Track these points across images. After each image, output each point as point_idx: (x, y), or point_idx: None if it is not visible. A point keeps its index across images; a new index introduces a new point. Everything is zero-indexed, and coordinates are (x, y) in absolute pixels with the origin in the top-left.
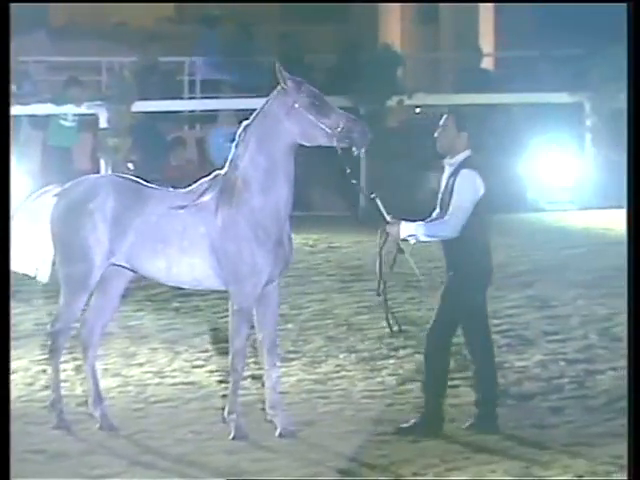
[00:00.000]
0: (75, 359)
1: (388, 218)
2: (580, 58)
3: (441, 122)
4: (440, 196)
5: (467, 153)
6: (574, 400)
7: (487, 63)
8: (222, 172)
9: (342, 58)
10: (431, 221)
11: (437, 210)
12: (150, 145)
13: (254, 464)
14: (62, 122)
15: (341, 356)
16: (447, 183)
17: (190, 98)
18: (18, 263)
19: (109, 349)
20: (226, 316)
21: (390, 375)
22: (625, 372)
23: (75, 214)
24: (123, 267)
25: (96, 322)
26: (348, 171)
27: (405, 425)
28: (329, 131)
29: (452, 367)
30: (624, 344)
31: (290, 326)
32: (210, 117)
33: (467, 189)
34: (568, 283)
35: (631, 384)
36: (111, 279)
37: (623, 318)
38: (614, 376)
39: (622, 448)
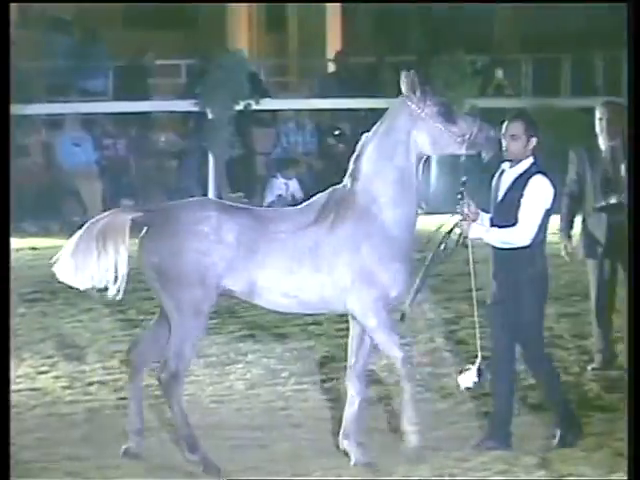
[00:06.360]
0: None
1: (466, 211)
2: (424, 64)
3: (508, 130)
4: (499, 201)
5: (532, 159)
6: (419, 404)
7: (334, 68)
8: (340, 186)
9: (190, 63)
10: (502, 227)
11: (490, 214)
12: None
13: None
14: None
15: None
16: (510, 188)
17: (37, 102)
18: (81, 280)
19: None
20: (72, 320)
21: (238, 380)
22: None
23: (184, 238)
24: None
25: (153, 347)
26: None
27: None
28: (459, 139)
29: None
30: (469, 347)
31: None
32: (57, 121)
33: (541, 196)
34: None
35: (631, 384)
36: None
37: (467, 321)
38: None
39: (467, 452)
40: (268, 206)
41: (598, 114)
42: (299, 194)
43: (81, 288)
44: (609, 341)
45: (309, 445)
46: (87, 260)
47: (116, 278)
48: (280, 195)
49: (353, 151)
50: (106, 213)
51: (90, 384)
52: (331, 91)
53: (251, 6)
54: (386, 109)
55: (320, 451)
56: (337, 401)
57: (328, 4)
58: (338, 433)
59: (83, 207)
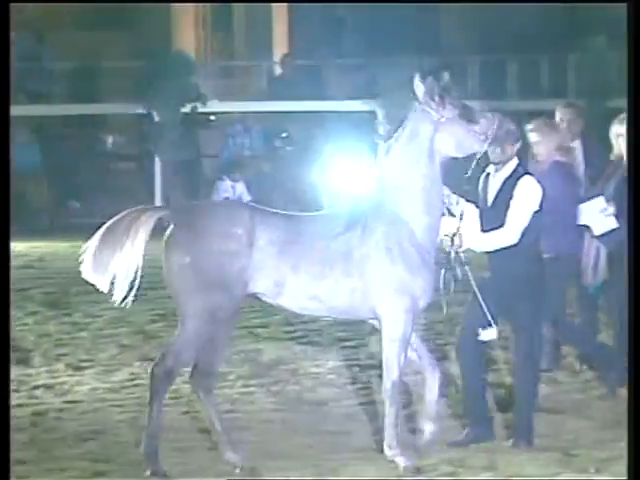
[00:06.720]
0: None
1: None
2: (370, 66)
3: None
4: (489, 206)
5: (516, 161)
6: (367, 406)
7: (280, 70)
8: (367, 194)
9: (135, 64)
10: (487, 231)
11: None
12: None
13: None
14: None
15: (136, 364)
16: (500, 191)
17: None
18: (100, 279)
19: None
20: (18, 324)
21: (185, 383)
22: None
23: (214, 239)
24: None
25: (217, 356)
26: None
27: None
28: (482, 137)
29: None
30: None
31: (84, 334)
32: None
33: (530, 197)
34: None
35: (631, 384)
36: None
37: (419, 323)
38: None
39: (415, 453)
40: None
41: (559, 115)
42: (246, 196)
43: (101, 288)
44: (556, 342)
45: (256, 448)
46: (107, 259)
47: (126, 279)
48: (227, 198)
49: (300, 154)
50: (128, 210)
51: (36, 387)
52: (278, 93)
53: (197, 6)
54: (332, 112)
55: (267, 454)
56: (284, 404)
57: (274, 4)
58: (285, 436)
59: (29, 210)
